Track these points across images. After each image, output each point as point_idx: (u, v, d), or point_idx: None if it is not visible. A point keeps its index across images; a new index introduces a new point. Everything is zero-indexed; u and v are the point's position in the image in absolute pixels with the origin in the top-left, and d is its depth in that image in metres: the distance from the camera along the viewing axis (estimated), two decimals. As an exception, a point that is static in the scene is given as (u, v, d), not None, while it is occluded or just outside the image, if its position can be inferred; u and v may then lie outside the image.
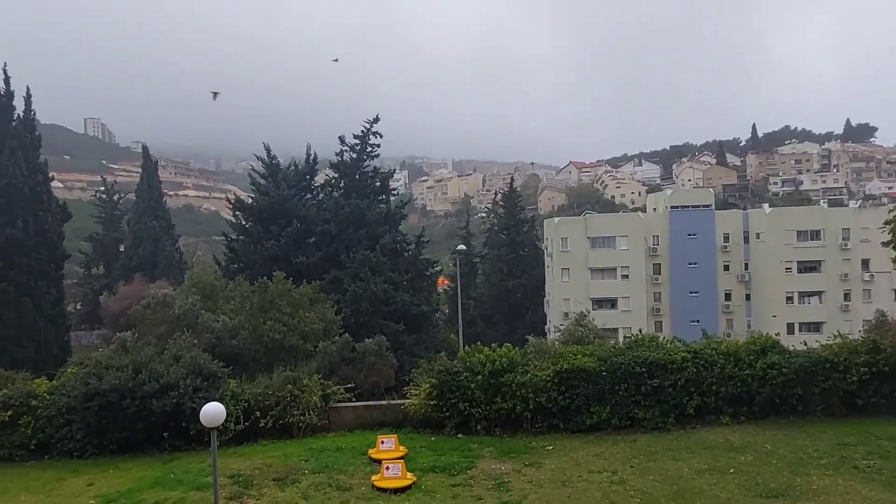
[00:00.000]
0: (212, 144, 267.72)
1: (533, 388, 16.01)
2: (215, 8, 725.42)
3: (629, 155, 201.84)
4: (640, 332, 18.90)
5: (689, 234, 60.68)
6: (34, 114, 34.98)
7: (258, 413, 16.28)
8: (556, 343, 21.37)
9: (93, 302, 52.13)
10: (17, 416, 15.68)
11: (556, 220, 67.16)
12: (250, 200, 40.46)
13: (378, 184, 40.24)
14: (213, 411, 10.62)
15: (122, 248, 59.17)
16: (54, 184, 39.01)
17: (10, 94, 33.48)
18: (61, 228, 35.63)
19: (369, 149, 39.72)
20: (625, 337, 20.95)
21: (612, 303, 59.36)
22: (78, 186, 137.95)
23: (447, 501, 12.18)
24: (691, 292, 59.59)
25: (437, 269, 43.73)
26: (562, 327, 25.30)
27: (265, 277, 25.04)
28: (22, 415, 15.72)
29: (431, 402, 16.34)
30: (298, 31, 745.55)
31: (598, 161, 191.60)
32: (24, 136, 33.49)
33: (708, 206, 64.07)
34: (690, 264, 60.07)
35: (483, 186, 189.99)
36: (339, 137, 39.68)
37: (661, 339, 18.01)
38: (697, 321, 49.61)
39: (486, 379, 16.08)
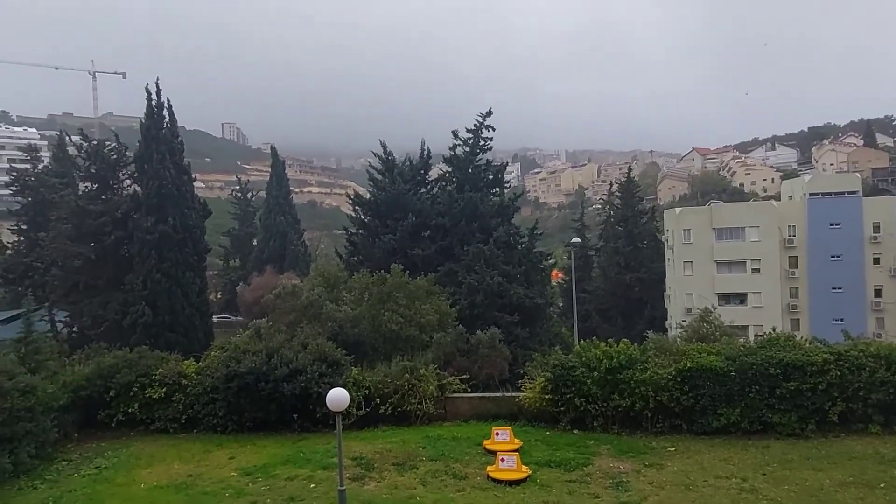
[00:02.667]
0: (333, 143, 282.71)
1: (653, 386, 15.44)
2: (335, 10, 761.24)
3: (760, 139, 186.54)
4: (774, 330, 17.70)
5: (832, 224, 55.40)
6: (177, 121, 38.56)
7: (378, 400, 17.09)
8: (679, 340, 20.46)
9: (231, 291, 56.82)
10: (170, 393, 17.65)
11: (678, 210, 63.73)
12: (368, 196, 42.06)
13: (491, 177, 40.34)
14: (338, 396, 11.27)
15: (255, 242, 63.94)
16: (197, 184, 42.82)
17: (160, 105, 37.17)
18: (203, 224, 39.08)
19: (482, 142, 39.87)
20: (756, 335, 19.56)
21: (741, 298, 55.51)
22: (217, 186, 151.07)
23: (563, 497, 12.06)
24: (834, 288, 54.42)
25: (551, 261, 43.12)
26: (684, 323, 24.10)
27: (383, 270, 25.98)
28: (175, 392, 17.67)
29: (546, 397, 16.25)
30: (415, 20, 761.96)
31: (725, 147, 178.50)
32: (171, 141, 37.08)
33: (854, 192, 58.65)
34: (833, 257, 54.82)
35: (598, 177, 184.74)
36: (453, 132, 40.19)
37: (798, 338, 16.67)
38: (841, 320, 45.28)
39: (603, 375, 15.72)
